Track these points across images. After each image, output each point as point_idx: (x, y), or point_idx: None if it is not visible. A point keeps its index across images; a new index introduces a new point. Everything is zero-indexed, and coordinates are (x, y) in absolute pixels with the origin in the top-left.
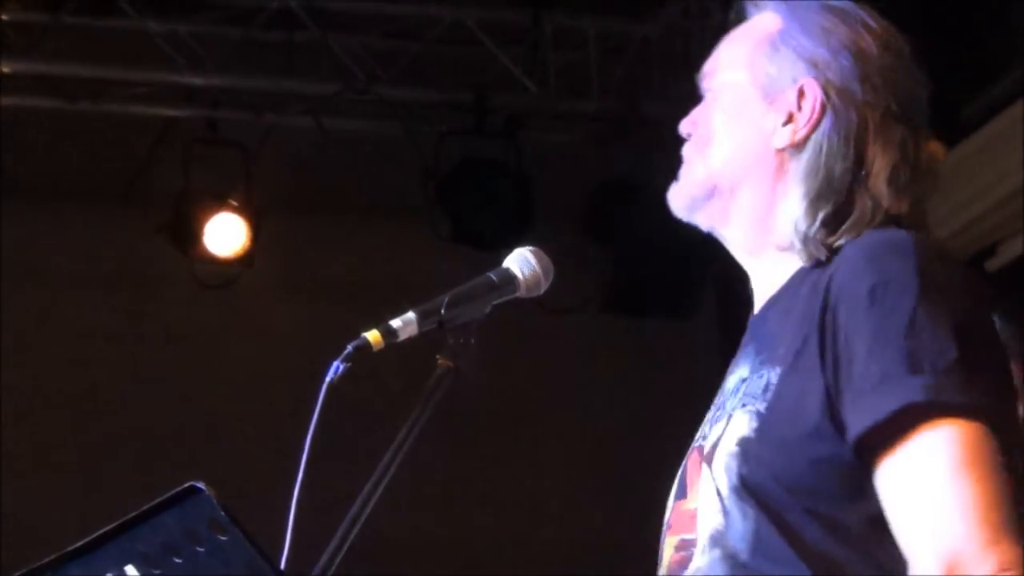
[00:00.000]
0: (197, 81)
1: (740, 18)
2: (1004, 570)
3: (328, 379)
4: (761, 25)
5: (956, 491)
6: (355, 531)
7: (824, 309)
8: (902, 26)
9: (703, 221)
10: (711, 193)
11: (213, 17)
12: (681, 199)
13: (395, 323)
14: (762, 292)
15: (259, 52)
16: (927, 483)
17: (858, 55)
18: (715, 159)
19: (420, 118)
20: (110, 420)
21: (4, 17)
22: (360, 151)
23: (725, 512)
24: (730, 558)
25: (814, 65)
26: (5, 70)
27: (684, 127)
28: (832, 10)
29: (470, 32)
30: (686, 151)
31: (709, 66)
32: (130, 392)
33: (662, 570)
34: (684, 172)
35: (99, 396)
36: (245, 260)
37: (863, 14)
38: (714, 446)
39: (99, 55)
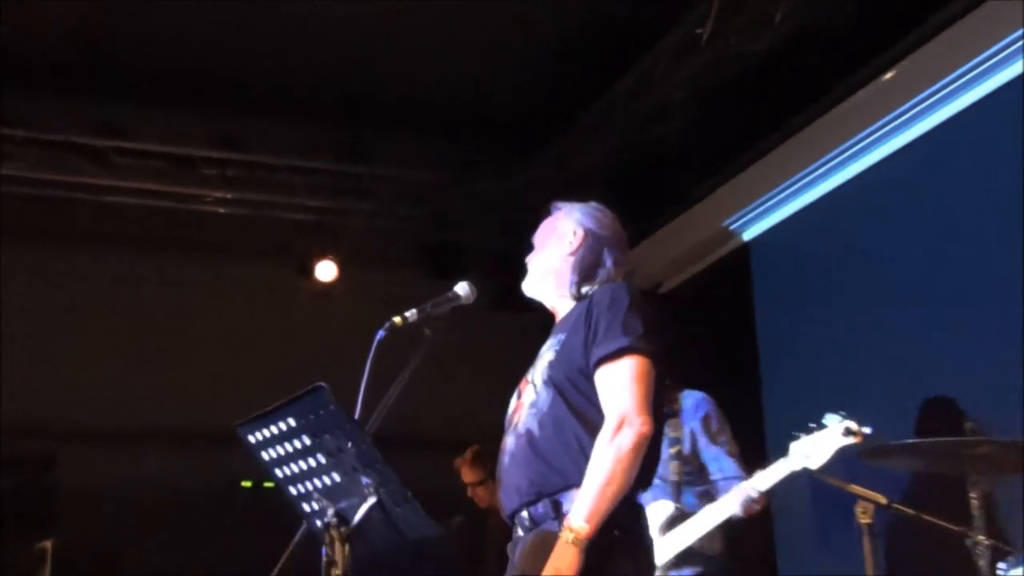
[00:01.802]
0: None
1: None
2: (643, 424)
3: (377, 338)
4: (562, 213)
5: (632, 386)
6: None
7: (588, 312)
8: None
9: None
10: (543, 278)
11: None
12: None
13: (408, 314)
14: (559, 314)
15: None
16: (620, 381)
17: (599, 220)
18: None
19: None
20: None
21: None
22: None
23: (538, 392)
24: (536, 416)
25: (581, 224)
26: None
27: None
28: (591, 206)
29: None
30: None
31: (540, 232)
32: None
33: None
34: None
35: None
36: None
37: (599, 206)
38: (536, 373)
39: None
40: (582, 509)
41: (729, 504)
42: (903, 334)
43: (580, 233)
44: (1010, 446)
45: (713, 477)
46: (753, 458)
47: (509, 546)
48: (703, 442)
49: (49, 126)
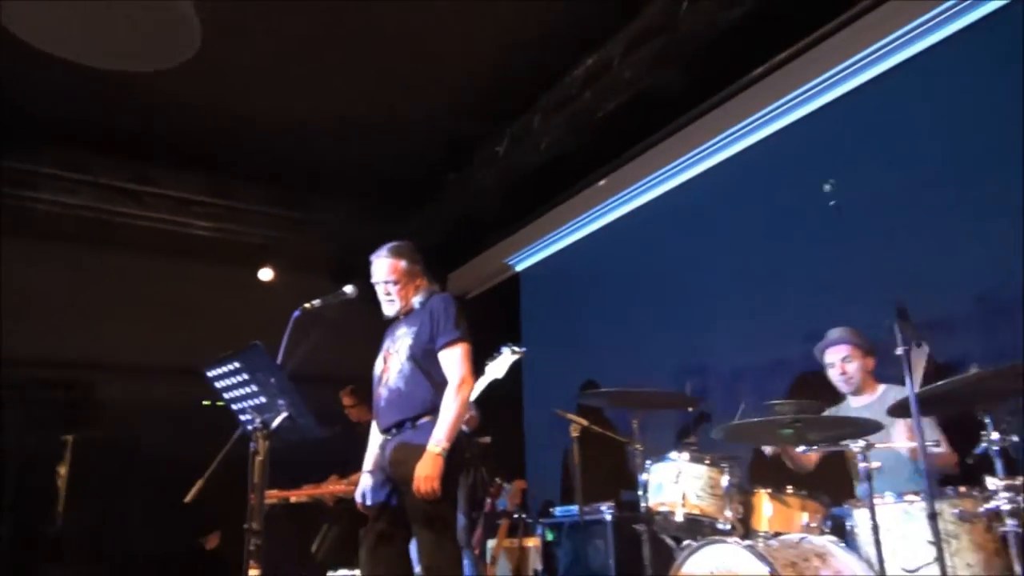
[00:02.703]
0: None
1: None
2: (470, 385)
3: (293, 316)
4: (390, 253)
5: (462, 362)
6: None
7: (432, 313)
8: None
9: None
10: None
11: None
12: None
13: (314, 302)
14: (407, 315)
15: None
16: (456, 359)
17: (411, 254)
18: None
19: None
20: None
21: None
22: None
23: (402, 362)
24: (401, 375)
25: (403, 261)
26: None
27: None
28: (403, 246)
29: None
30: (389, 289)
31: (389, 268)
32: None
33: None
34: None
35: None
36: None
37: (408, 245)
38: (397, 349)
39: None
40: (442, 434)
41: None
42: (622, 337)
43: (414, 268)
44: (658, 395)
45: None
46: (513, 422)
47: (380, 445)
48: None
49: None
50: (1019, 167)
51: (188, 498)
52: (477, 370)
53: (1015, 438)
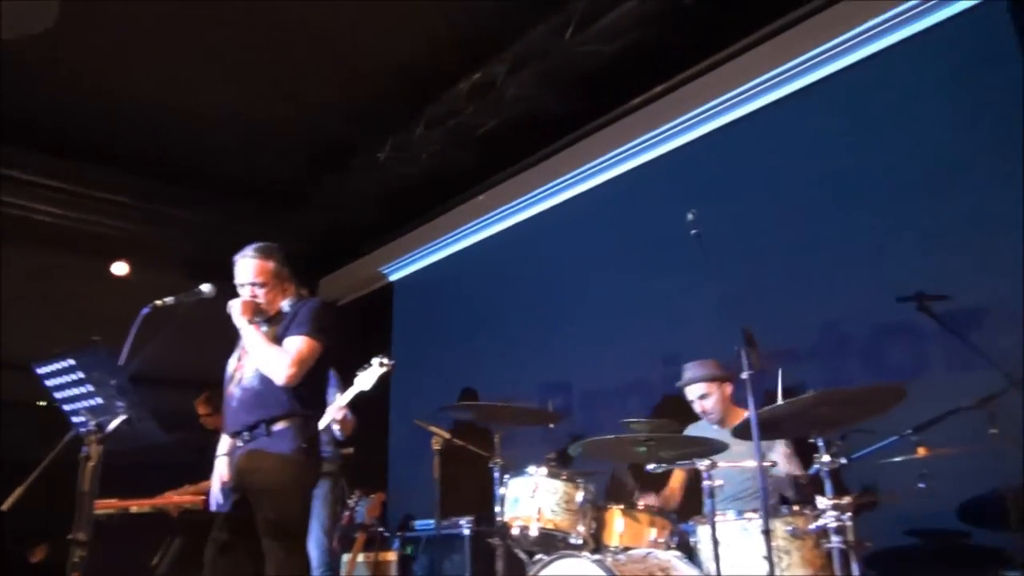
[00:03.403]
0: None
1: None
2: (293, 372)
3: (141, 313)
4: (257, 253)
5: (299, 348)
6: None
7: (295, 315)
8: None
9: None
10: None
11: None
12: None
13: (167, 299)
14: (271, 318)
15: None
16: (293, 343)
17: (279, 256)
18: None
19: None
20: None
21: None
22: None
23: (257, 367)
24: (256, 376)
25: (272, 263)
26: None
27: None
28: (271, 247)
29: None
30: (256, 292)
31: (256, 270)
32: None
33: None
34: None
35: None
36: None
37: (277, 247)
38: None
39: None
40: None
41: (327, 418)
42: (490, 352)
43: (283, 271)
44: (520, 410)
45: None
46: (380, 419)
47: (230, 451)
48: (332, 396)
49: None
50: (867, 211)
51: (5, 505)
52: (347, 380)
53: (844, 460)
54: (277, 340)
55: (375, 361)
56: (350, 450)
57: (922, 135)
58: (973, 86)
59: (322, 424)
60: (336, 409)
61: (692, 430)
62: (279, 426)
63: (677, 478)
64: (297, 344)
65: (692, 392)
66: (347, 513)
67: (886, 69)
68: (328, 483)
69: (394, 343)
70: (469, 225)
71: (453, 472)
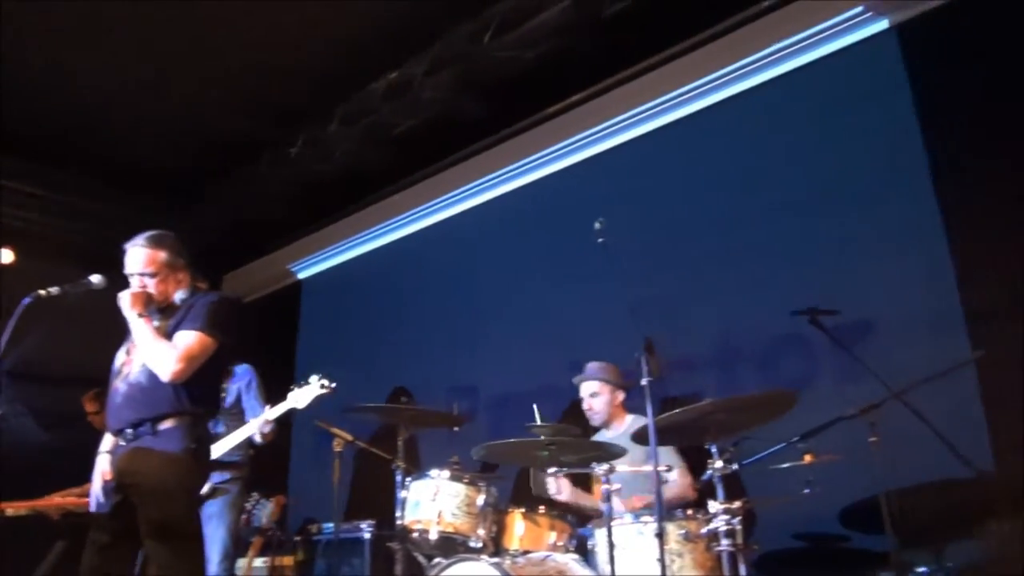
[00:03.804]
0: None
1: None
2: (181, 367)
3: (23, 303)
4: (148, 242)
5: (190, 344)
6: None
7: (190, 308)
8: None
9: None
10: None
11: None
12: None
13: (51, 289)
14: (164, 310)
15: None
16: (184, 338)
17: (173, 245)
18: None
19: None
20: None
21: None
22: None
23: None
24: (144, 371)
25: (164, 252)
26: None
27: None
28: (164, 236)
29: None
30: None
31: (147, 259)
32: None
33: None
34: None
35: None
36: None
37: (171, 236)
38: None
39: None
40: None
41: (250, 429)
42: (398, 354)
43: (177, 261)
44: (424, 412)
45: (247, 418)
46: (280, 434)
47: (112, 449)
48: (245, 397)
49: None
50: (767, 226)
51: None
52: (280, 395)
53: (735, 466)
54: (168, 334)
55: (314, 379)
56: (250, 451)
57: (818, 156)
58: (867, 110)
59: (244, 434)
60: (263, 423)
61: (600, 436)
62: (166, 425)
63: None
64: (187, 339)
65: (584, 389)
66: (244, 517)
67: (789, 91)
68: (236, 487)
69: (300, 342)
70: (382, 225)
71: (357, 475)
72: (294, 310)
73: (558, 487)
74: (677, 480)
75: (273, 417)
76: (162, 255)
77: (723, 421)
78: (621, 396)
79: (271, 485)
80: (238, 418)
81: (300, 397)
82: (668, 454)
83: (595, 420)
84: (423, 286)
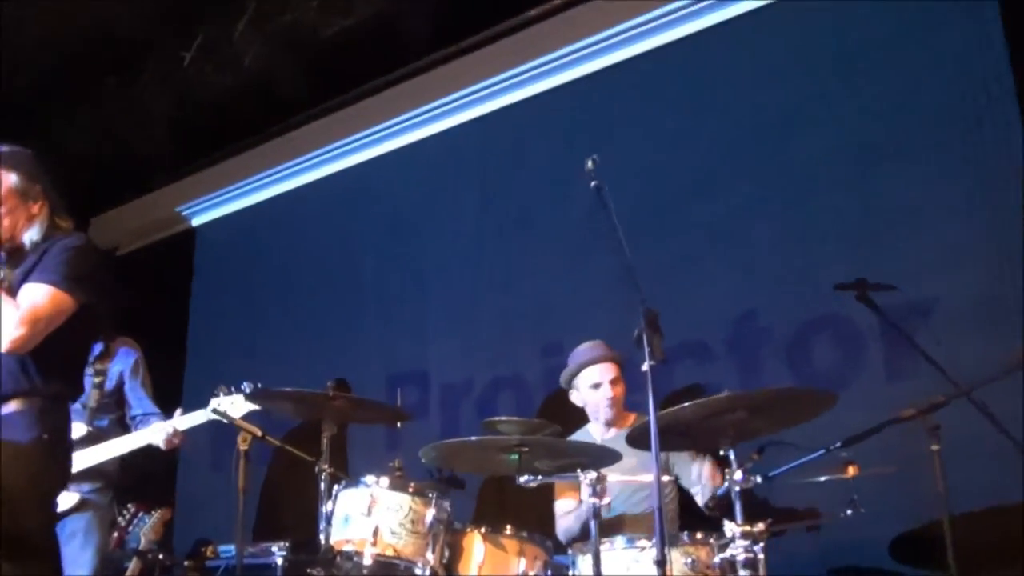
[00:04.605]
0: None
1: None
2: (26, 331)
3: None
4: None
5: (41, 300)
6: None
7: (45, 255)
8: None
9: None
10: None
11: None
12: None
13: None
14: (12, 254)
15: None
16: (32, 294)
17: (30, 167)
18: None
19: None
20: None
21: None
22: None
23: None
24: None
25: (15, 175)
26: None
27: None
28: (19, 154)
29: None
30: None
31: None
32: None
33: None
34: None
35: None
36: None
37: (28, 155)
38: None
39: None
40: None
41: (150, 436)
42: (321, 329)
43: (32, 188)
44: (359, 404)
45: (133, 412)
46: (170, 404)
47: None
48: (129, 382)
49: None
50: (802, 184)
51: None
52: (200, 403)
53: (759, 479)
54: (14, 289)
55: (249, 389)
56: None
57: (872, 93)
58: (939, 32)
59: (141, 442)
60: (173, 433)
61: (580, 436)
62: (10, 408)
63: (562, 489)
64: (35, 296)
65: (605, 373)
66: (116, 536)
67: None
68: (105, 499)
69: (193, 309)
70: (298, 161)
71: (267, 482)
72: (184, 267)
73: None
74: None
75: (185, 428)
76: (12, 179)
77: (744, 421)
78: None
79: (152, 494)
80: (117, 407)
81: (233, 406)
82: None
83: (610, 413)
84: (356, 242)
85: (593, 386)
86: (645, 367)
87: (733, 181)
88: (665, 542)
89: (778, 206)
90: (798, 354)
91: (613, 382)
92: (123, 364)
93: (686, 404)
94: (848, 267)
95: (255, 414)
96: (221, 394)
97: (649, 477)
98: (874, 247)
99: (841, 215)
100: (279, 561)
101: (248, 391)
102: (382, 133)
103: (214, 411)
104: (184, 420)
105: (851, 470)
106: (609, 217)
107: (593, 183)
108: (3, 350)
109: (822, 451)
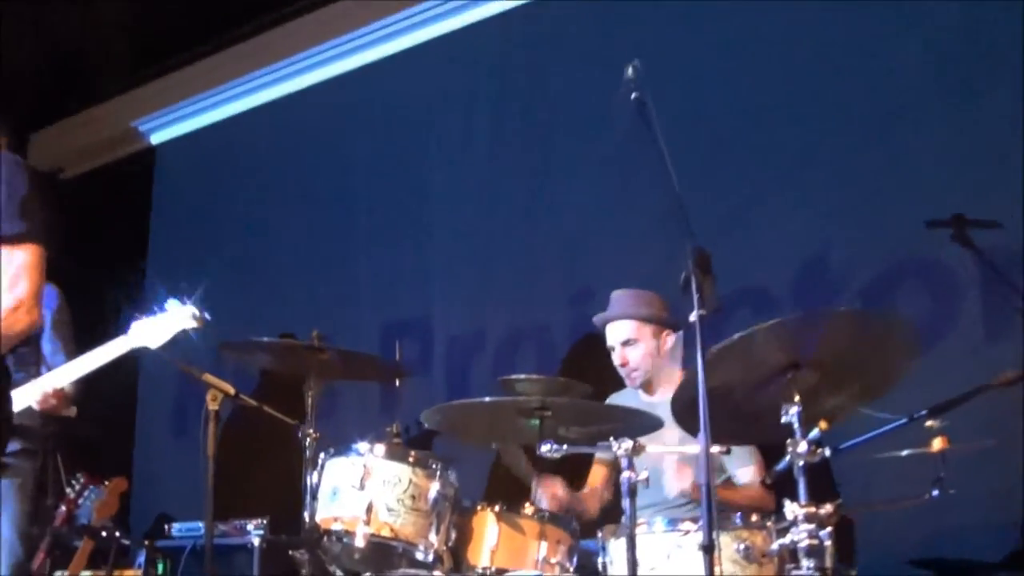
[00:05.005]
0: None
1: None
2: (35, 316)
3: None
4: None
5: (30, 274)
6: None
7: None
8: None
9: None
10: None
11: None
12: None
13: None
14: None
15: None
16: (15, 264)
17: None
18: None
19: None
20: None
21: None
22: None
23: None
24: None
25: None
26: None
27: None
28: None
29: None
30: None
31: None
32: None
33: None
34: None
35: None
36: None
37: None
38: None
39: None
40: None
41: (26, 396)
42: (306, 271)
43: None
44: (353, 358)
45: (50, 363)
46: (121, 383)
47: None
48: (48, 332)
49: None
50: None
51: None
52: (121, 327)
53: (827, 452)
54: None
55: (175, 308)
56: (72, 411)
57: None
58: None
59: (21, 404)
60: (51, 393)
61: (617, 399)
62: None
63: (599, 471)
64: (19, 263)
65: (613, 334)
66: (63, 510)
67: None
68: (28, 464)
69: (152, 244)
70: (278, 67)
71: (241, 449)
72: (142, 194)
73: (547, 491)
74: (752, 480)
75: (86, 372)
76: None
77: (810, 380)
78: (670, 341)
79: (105, 463)
80: (32, 357)
81: (153, 331)
82: (740, 451)
83: (633, 380)
84: (347, 165)
85: (611, 349)
86: (693, 317)
87: (802, 99)
88: (714, 524)
89: (857, 130)
90: (877, 305)
91: (626, 344)
92: (45, 310)
93: (736, 336)
94: (940, 204)
95: (225, 370)
96: (144, 317)
97: (695, 449)
98: (973, 180)
99: (934, 140)
100: (256, 541)
101: (175, 310)
102: (379, 33)
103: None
104: (87, 361)
105: (939, 443)
106: (653, 138)
107: (634, 95)
108: (19, 333)
109: (904, 420)
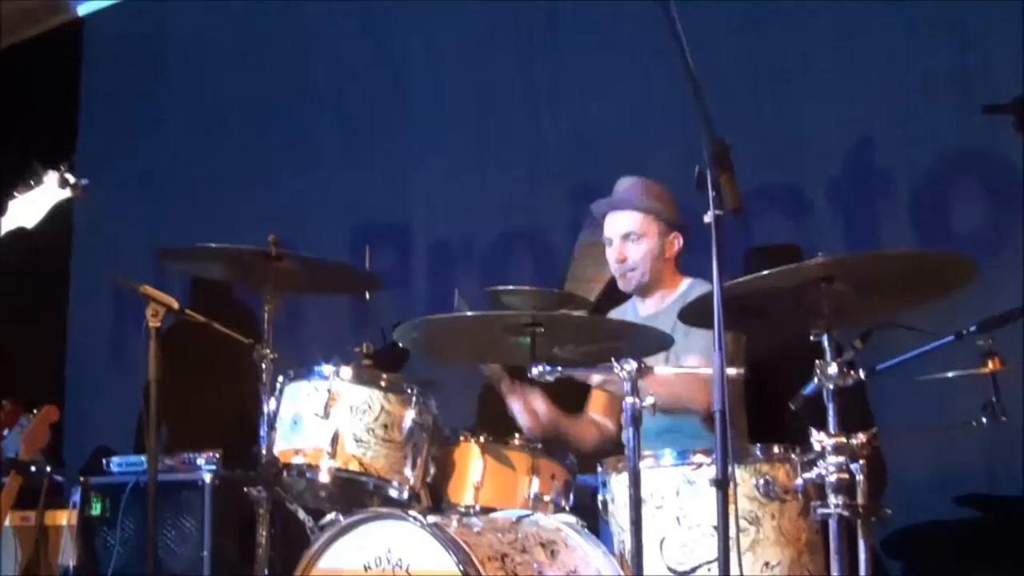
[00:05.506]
0: None
1: None
2: None
3: None
4: None
5: None
6: None
7: None
8: None
9: None
10: None
11: None
12: None
13: None
14: None
15: None
16: None
17: None
18: None
19: None
20: None
21: None
22: None
23: None
24: None
25: None
26: None
27: None
28: None
29: None
30: None
31: None
32: None
33: None
34: None
35: None
36: None
37: None
38: None
39: None
40: None
41: None
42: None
43: None
44: (315, 266)
45: None
46: (49, 294)
47: None
48: None
49: None
50: None
51: None
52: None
53: (862, 374)
54: None
55: (51, 176)
56: None
57: None
58: None
59: None
60: None
61: (617, 314)
62: None
63: (599, 398)
64: None
65: (612, 226)
66: None
67: None
68: None
69: (81, 132)
70: None
71: (188, 372)
72: (68, 73)
73: (524, 406)
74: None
75: None
76: None
77: (845, 297)
78: (678, 244)
79: (31, 389)
80: None
81: (28, 208)
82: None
83: (630, 283)
84: (309, 38)
85: (607, 242)
86: (708, 218)
87: None
88: (729, 456)
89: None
90: (927, 206)
91: (626, 237)
92: None
93: (764, 272)
94: (1001, 89)
95: (170, 284)
96: (18, 194)
97: (707, 370)
98: None
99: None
100: (207, 478)
101: (48, 181)
102: None
103: None
104: None
105: (991, 364)
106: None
107: None
108: None
109: (951, 337)
